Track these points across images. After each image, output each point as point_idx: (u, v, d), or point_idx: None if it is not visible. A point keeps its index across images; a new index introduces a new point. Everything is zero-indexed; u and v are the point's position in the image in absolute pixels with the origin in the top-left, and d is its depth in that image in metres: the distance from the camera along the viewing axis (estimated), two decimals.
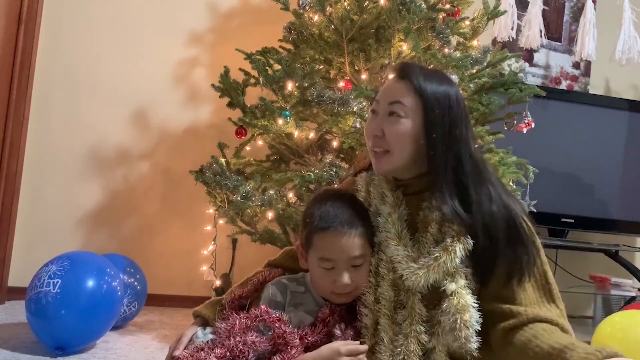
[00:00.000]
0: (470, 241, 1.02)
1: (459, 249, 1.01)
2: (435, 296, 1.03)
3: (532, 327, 0.98)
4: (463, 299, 1.00)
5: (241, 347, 1.02)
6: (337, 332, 1.07)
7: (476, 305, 1.01)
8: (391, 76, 1.13)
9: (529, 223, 1.09)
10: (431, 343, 1.02)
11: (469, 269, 1.03)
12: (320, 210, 1.11)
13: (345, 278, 1.08)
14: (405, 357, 1.01)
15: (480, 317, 1.00)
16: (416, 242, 1.07)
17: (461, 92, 2.08)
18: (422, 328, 1.02)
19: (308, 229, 1.12)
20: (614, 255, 3.15)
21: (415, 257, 1.04)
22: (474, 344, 0.99)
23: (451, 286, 1.00)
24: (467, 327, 0.98)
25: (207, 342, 1.09)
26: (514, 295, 1.03)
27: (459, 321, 0.98)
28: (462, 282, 1.01)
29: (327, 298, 1.13)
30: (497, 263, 1.03)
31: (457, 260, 1.01)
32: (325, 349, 1.02)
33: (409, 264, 1.03)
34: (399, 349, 1.01)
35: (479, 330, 0.99)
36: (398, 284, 1.05)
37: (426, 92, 1.07)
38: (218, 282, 2.49)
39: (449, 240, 1.03)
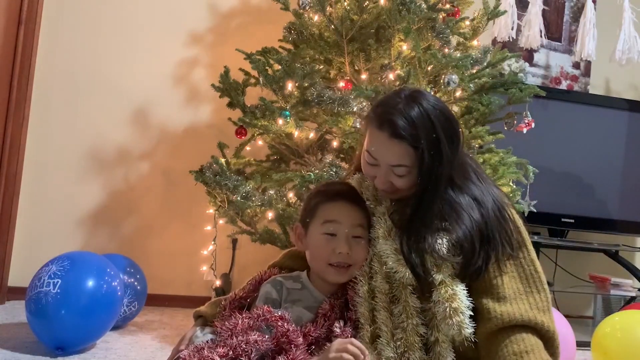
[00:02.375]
0: (454, 238, 1.07)
1: (445, 240, 1.06)
2: (427, 289, 1.06)
3: (507, 342, 1.00)
4: (451, 287, 1.03)
5: (244, 346, 1.03)
6: (337, 330, 1.07)
7: (465, 291, 1.04)
8: (381, 130, 1.10)
9: (515, 214, 1.15)
10: (433, 336, 1.04)
11: (455, 258, 1.06)
12: (326, 188, 1.23)
13: (346, 244, 1.12)
14: (407, 349, 1.03)
15: (472, 304, 1.03)
16: (404, 238, 1.11)
17: (461, 92, 2.10)
18: (419, 320, 1.05)
19: (314, 202, 1.18)
20: (614, 255, 3.14)
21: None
22: (468, 329, 1.01)
23: (438, 276, 1.04)
24: (458, 314, 1.01)
25: (207, 341, 1.09)
26: (498, 288, 1.06)
27: (448, 309, 1.01)
28: (449, 271, 1.05)
29: (323, 275, 1.15)
30: (482, 254, 1.07)
31: (444, 250, 1.05)
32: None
33: (397, 257, 1.07)
34: (399, 343, 1.04)
35: (471, 315, 1.03)
36: (391, 277, 1.08)
37: (421, 146, 1.08)
38: (218, 282, 2.49)
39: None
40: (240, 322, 1.07)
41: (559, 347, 1.05)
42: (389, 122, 1.09)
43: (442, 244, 1.06)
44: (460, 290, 1.03)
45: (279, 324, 1.06)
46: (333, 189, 1.22)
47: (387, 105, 1.13)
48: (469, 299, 1.04)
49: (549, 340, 1.04)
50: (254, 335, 1.04)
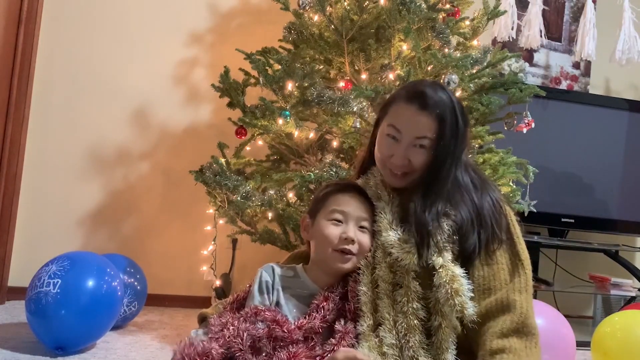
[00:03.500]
0: (458, 219, 1.12)
1: (446, 224, 1.11)
2: (429, 276, 1.09)
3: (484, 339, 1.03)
4: (451, 270, 1.07)
5: (235, 333, 1.05)
6: (338, 327, 1.09)
7: (465, 274, 1.07)
8: (410, 104, 1.18)
9: (508, 209, 1.21)
10: (436, 321, 1.07)
11: (455, 244, 1.11)
12: (337, 182, 1.29)
13: (352, 231, 1.16)
14: (407, 332, 1.06)
15: (470, 285, 1.07)
16: (406, 227, 1.15)
17: (461, 92, 2.10)
18: (419, 305, 1.08)
19: (322, 194, 1.23)
20: (614, 255, 3.14)
21: (406, 239, 1.12)
22: (470, 309, 1.04)
23: (438, 260, 1.08)
24: (459, 295, 1.04)
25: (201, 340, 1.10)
26: (484, 279, 1.10)
27: (449, 291, 1.04)
28: (449, 256, 1.10)
29: (328, 261, 1.17)
30: (476, 235, 1.12)
31: (445, 235, 1.10)
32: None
33: (402, 245, 1.11)
34: (399, 327, 1.07)
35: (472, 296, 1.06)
36: (394, 266, 1.13)
37: (447, 122, 1.16)
38: (218, 282, 2.50)
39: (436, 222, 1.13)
40: (230, 319, 1.09)
41: (533, 327, 1.03)
42: (420, 95, 1.17)
43: (443, 228, 1.11)
44: (460, 272, 1.07)
45: (267, 313, 1.08)
46: (343, 183, 1.29)
47: (416, 85, 1.24)
48: (468, 282, 1.06)
49: (522, 319, 1.03)
50: (245, 324, 1.07)
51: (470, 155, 1.25)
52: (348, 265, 1.16)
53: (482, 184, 1.21)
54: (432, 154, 1.16)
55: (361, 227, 1.18)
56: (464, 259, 1.11)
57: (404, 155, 1.17)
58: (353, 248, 1.15)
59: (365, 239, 1.17)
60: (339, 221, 1.17)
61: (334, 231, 1.16)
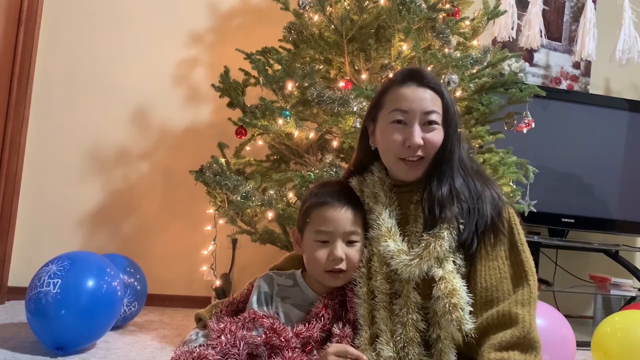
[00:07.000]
0: (461, 226, 1.09)
1: (447, 234, 1.07)
2: (429, 286, 1.07)
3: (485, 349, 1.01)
4: (450, 283, 1.04)
5: (232, 341, 1.05)
6: (336, 330, 1.08)
7: (465, 287, 1.04)
8: (406, 84, 1.17)
9: (512, 212, 1.17)
10: (435, 333, 1.05)
11: (457, 254, 1.08)
12: (318, 190, 1.19)
13: (340, 251, 1.12)
14: (406, 344, 1.04)
15: (471, 298, 1.04)
16: (407, 235, 1.12)
17: (461, 92, 2.10)
18: (419, 316, 1.06)
19: (306, 206, 1.18)
20: (614, 255, 3.14)
21: (406, 250, 1.09)
22: (468, 325, 1.01)
23: (439, 272, 1.05)
24: (457, 310, 1.01)
25: (198, 345, 1.10)
26: (487, 291, 1.07)
27: (448, 305, 1.02)
28: (450, 267, 1.06)
29: (321, 280, 1.15)
30: (477, 245, 1.09)
31: (446, 245, 1.06)
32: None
33: (402, 257, 1.07)
34: (398, 338, 1.04)
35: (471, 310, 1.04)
36: (392, 277, 1.09)
37: (445, 96, 1.17)
38: (218, 282, 2.50)
39: (437, 227, 1.08)
40: (228, 325, 1.09)
41: (536, 341, 1.01)
42: (415, 73, 1.18)
43: (444, 238, 1.07)
44: (460, 286, 1.04)
45: (265, 320, 1.07)
46: (326, 191, 1.20)
47: (405, 69, 1.26)
48: (469, 295, 1.04)
49: (525, 334, 1.01)
50: (242, 331, 1.06)
51: (470, 155, 1.24)
52: (340, 283, 1.15)
53: (484, 177, 1.19)
54: (441, 134, 1.16)
55: (349, 241, 1.14)
56: (465, 251, 1.08)
57: (419, 134, 1.13)
58: (342, 265, 1.12)
59: (354, 252, 1.13)
60: (325, 241, 1.14)
61: (320, 253, 1.13)
